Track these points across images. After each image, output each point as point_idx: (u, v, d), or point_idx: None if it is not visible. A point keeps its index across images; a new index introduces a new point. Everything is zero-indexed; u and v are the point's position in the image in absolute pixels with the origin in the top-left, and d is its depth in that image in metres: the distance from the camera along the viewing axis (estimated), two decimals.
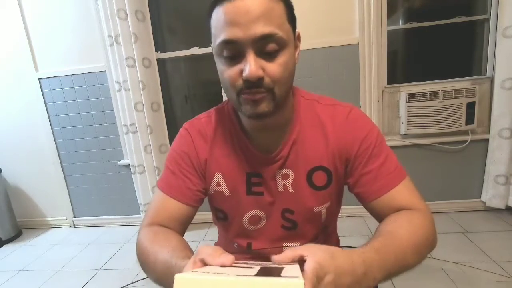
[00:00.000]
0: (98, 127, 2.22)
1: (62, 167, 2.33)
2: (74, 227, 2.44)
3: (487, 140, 1.88)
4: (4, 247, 2.20)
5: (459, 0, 1.91)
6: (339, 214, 0.77)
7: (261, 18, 0.45)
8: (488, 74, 1.87)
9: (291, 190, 0.60)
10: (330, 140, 0.58)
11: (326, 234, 0.68)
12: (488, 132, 1.87)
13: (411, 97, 1.86)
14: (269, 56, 0.48)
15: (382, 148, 0.57)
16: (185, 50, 2.11)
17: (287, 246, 0.65)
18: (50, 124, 2.25)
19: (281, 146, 0.59)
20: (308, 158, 0.59)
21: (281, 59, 0.48)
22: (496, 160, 1.84)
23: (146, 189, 2.14)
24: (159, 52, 2.11)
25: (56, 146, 2.29)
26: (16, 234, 2.34)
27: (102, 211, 2.38)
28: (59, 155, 2.31)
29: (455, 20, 1.86)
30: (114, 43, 1.92)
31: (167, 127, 2.17)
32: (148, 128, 2.03)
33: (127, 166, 2.21)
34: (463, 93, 1.81)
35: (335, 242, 0.76)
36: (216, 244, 0.81)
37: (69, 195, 2.38)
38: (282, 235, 0.64)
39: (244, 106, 0.51)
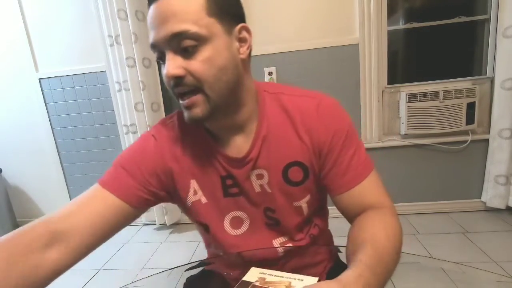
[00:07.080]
0: (99, 127, 2.22)
1: (62, 167, 2.33)
2: None
3: (487, 140, 1.88)
4: None
5: (459, 0, 1.91)
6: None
7: (171, 18, 0.45)
8: (488, 74, 1.87)
9: (268, 190, 0.59)
10: (302, 133, 0.56)
11: (311, 225, 0.66)
12: (488, 132, 1.87)
13: (412, 97, 1.86)
14: (188, 53, 0.47)
15: (353, 139, 0.57)
16: None
17: (279, 246, 0.64)
18: (50, 124, 2.25)
19: (250, 147, 0.57)
20: (281, 154, 0.57)
21: (202, 55, 0.47)
22: (496, 160, 1.84)
23: None
24: None
25: (56, 146, 2.29)
26: None
27: None
28: (59, 155, 2.31)
29: (455, 20, 1.86)
30: (114, 43, 1.92)
31: None
32: (148, 128, 2.03)
33: None
34: (463, 93, 1.81)
35: (327, 236, 0.76)
36: (208, 250, 0.76)
37: (69, 195, 2.38)
38: (269, 234, 0.63)
39: (183, 110, 0.52)
